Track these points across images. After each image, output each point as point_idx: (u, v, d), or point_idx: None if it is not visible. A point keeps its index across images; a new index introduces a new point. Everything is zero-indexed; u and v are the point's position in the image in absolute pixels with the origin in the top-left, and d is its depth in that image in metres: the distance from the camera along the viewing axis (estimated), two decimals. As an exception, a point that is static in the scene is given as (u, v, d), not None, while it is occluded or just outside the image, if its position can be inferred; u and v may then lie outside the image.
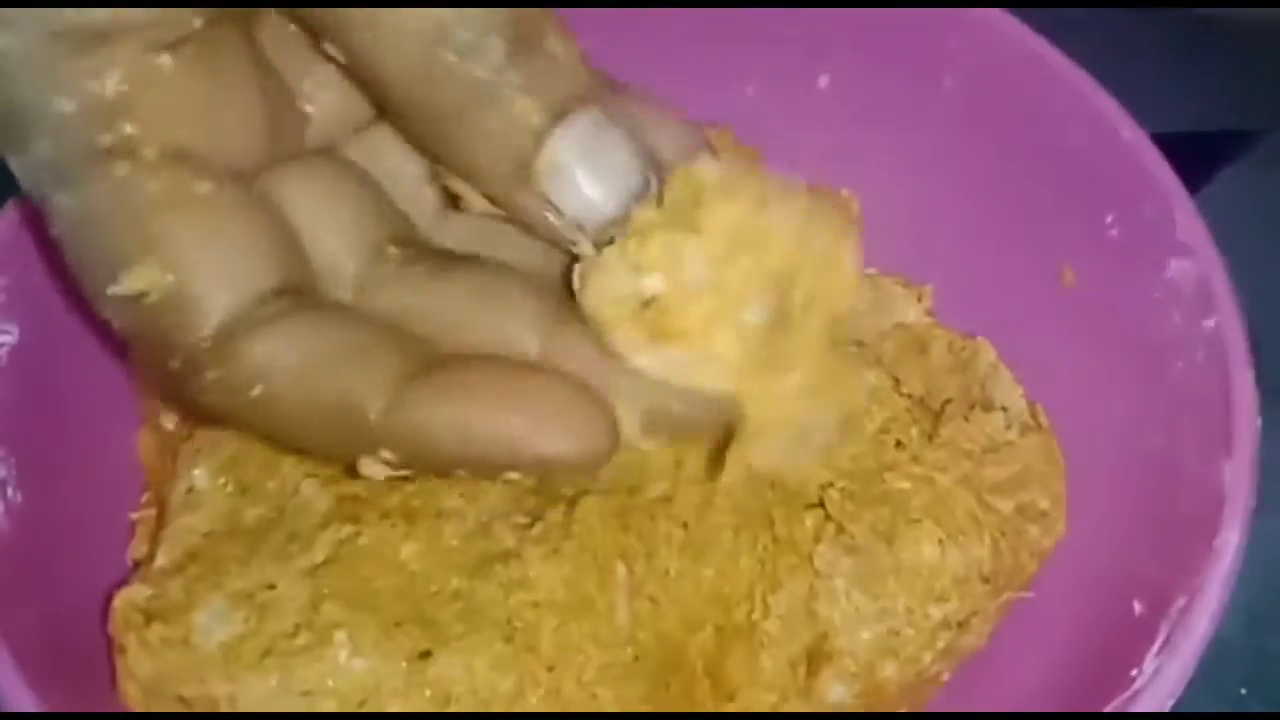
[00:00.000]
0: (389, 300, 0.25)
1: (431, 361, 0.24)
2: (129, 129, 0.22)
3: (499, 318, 0.25)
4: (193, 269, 0.22)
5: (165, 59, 0.22)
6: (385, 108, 0.24)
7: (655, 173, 0.24)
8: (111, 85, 0.22)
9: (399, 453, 0.23)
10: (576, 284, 0.23)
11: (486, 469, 0.23)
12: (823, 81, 0.39)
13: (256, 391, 0.23)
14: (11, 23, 0.22)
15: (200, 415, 0.26)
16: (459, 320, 0.25)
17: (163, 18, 0.22)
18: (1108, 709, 0.28)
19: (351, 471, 0.24)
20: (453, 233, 0.27)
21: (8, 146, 0.23)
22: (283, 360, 0.23)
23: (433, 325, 0.24)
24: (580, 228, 0.23)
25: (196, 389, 0.23)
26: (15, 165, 0.23)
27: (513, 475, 0.23)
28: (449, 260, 0.26)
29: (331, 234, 0.25)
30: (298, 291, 0.24)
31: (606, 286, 0.23)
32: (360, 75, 0.23)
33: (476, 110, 0.22)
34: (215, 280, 0.23)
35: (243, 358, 0.23)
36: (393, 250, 0.25)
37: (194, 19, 0.22)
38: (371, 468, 0.23)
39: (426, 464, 0.23)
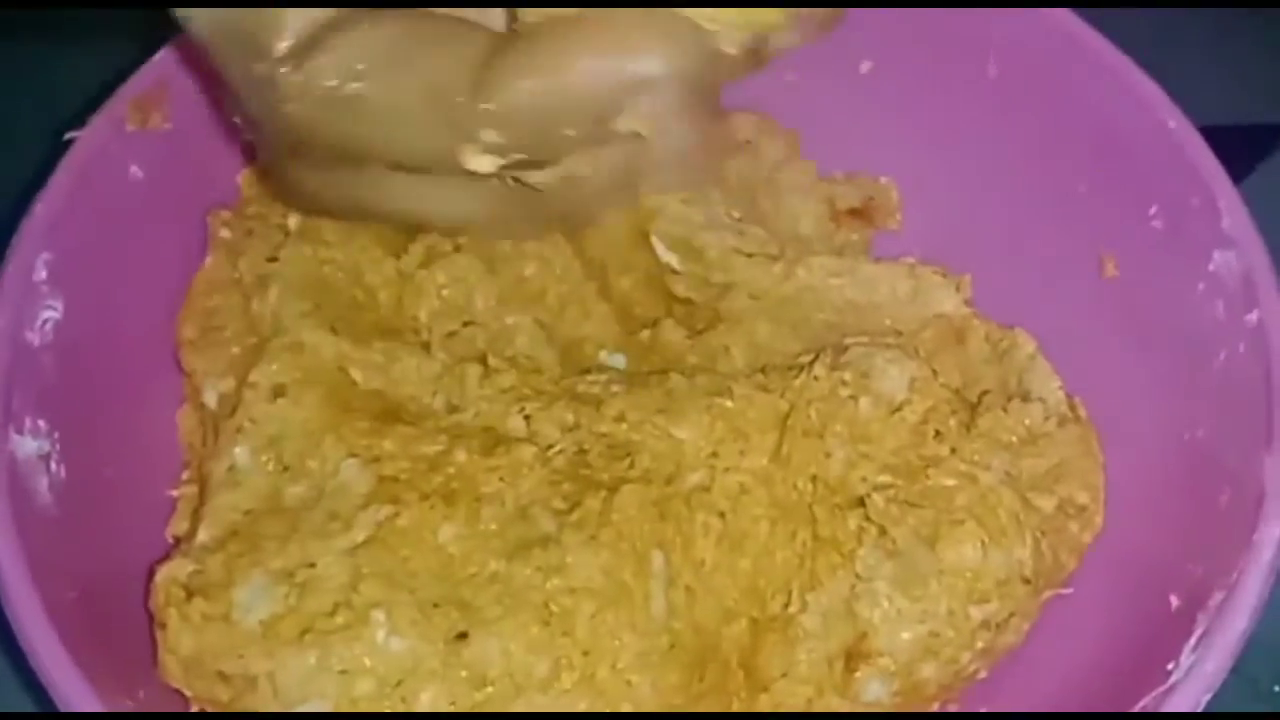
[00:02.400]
0: None
1: (504, 39, 0.25)
2: None
3: None
4: None
5: None
6: None
7: None
8: None
9: (500, 127, 0.24)
10: None
11: (591, 116, 0.25)
12: (864, 67, 0.39)
13: (346, 91, 0.24)
14: None
15: (289, 141, 0.25)
16: None
17: None
18: (1142, 703, 0.28)
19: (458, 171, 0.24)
20: None
21: None
22: (367, 56, 0.24)
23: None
24: None
25: (284, 96, 0.24)
26: None
27: (627, 124, 0.25)
28: None
29: None
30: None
31: None
32: None
33: None
34: None
35: (329, 56, 0.24)
36: None
37: None
38: (477, 160, 0.24)
39: (530, 129, 0.24)
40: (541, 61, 0.24)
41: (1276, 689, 0.37)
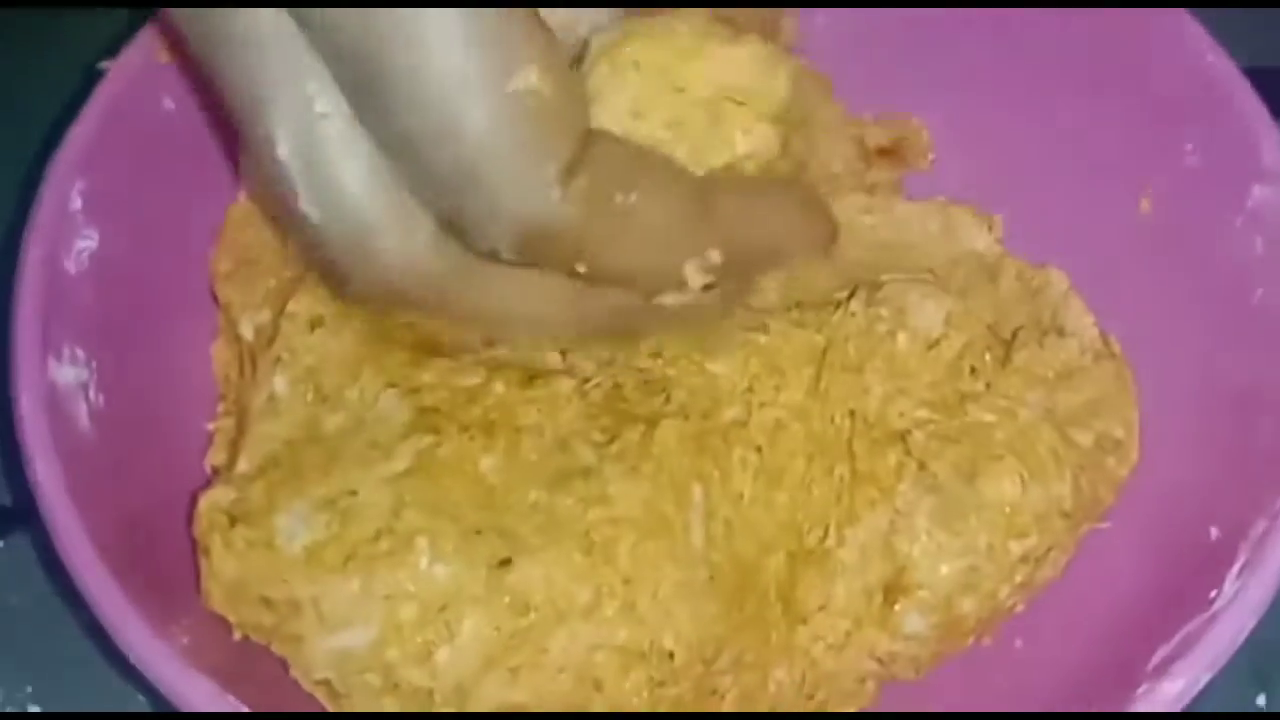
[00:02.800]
0: None
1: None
2: None
3: None
4: (571, 79, 0.24)
5: None
6: None
7: None
8: None
9: (725, 249, 0.27)
10: None
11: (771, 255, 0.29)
12: (895, 8, 0.38)
13: (620, 200, 0.25)
14: None
15: (546, 239, 0.25)
16: None
17: None
18: (1186, 630, 0.28)
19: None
20: None
21: None
22: (639, 151, 0.26)
23: None
24: None
25: (566, 197, 0.24)
26: None
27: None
28: None
29: None
30: None
31: None
32: None
33: None
34: (581, 91, 0.25)
35: (605, 165, 0.25)
36: None
37: None
38: (694, 275, 0.27)
39: (744, 256, 0.28)
40: (753, 195, 0.28)
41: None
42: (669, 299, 0.28)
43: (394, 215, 0.24)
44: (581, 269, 0.26)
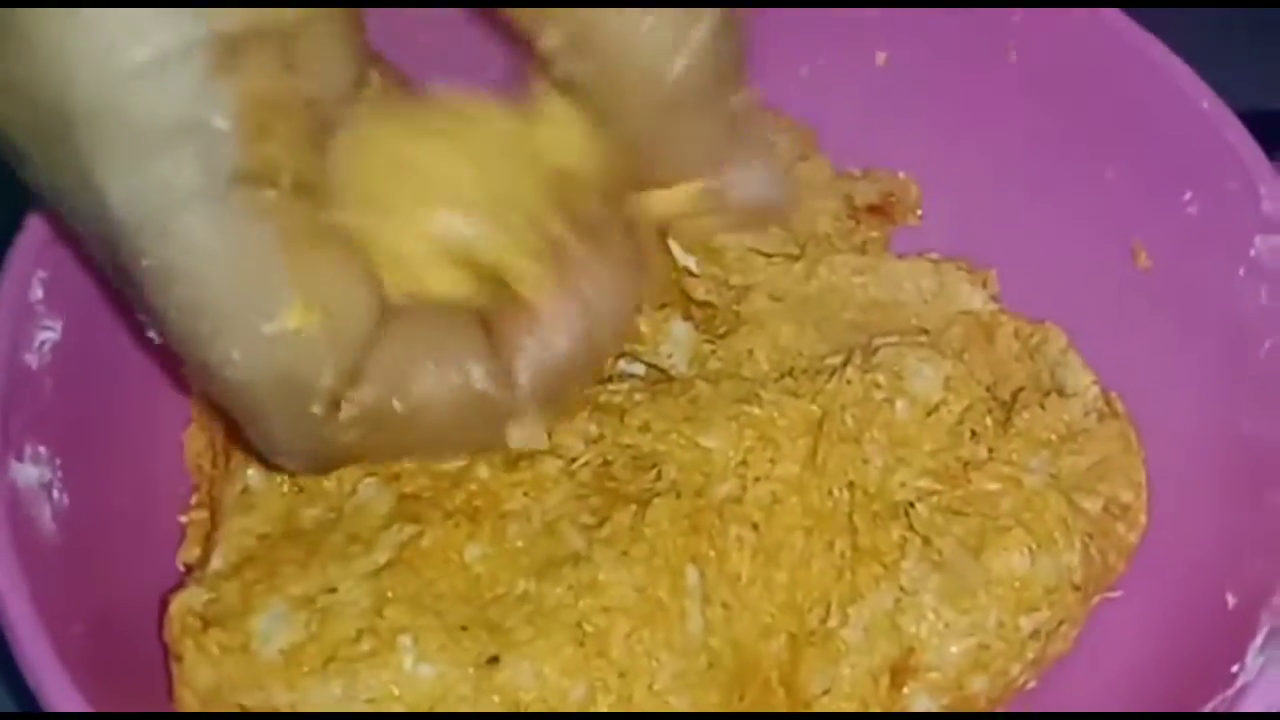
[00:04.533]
0: None
1: (492, 316, 0.25)
2: (272, 152, 0.21)
3: None
4: (338, 302, 0.22)
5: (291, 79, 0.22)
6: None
7: None
8: (254, 105, 0.21)
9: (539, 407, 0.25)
10: None
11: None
12: (879, 58, 0.38)
13: (398, 407, 0.23)
14: (175, 23, 0.20)
15: (329, 460, 0.25)
16: None
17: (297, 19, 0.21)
18: (1209, 707, 0.27)
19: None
20: None
21: (118, 166, 0.21)
22: (417, 369, 0.24)
23: None
24: None
25: (337, 429, 0.23)
26: (118, 187, 0.21)
27: None
28: None
29: None
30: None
31: None
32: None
33: None
34: (354, 310, 0.23)
35: (381, 381, 0.23)
36: None
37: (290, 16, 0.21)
38: (519, 437, 0.25)
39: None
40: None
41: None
42: None
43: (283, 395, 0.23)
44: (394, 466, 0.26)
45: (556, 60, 0.25)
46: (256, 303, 0.21)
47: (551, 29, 0.24)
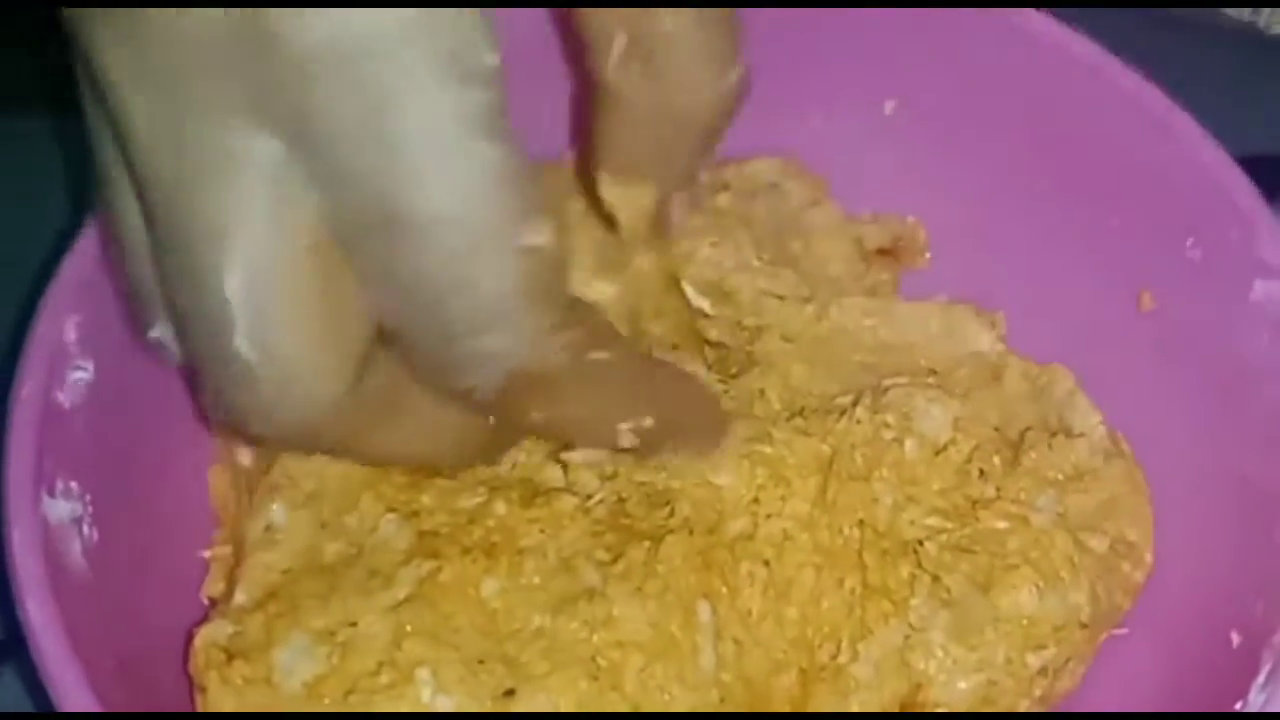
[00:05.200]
0: None
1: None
2: None
3: None
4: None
5: None
6: None
7: None
8: None
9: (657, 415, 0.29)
10: None
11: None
12: (888, 107, 0.39)
13: (594, 355, 0.26)
14: None
15: (536, 379, 0.26)
16: None
17: None
18: (1213, 744, 0.27)
19: None
20: None
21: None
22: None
23: None
24: None
25: (556, 345, 0.25)
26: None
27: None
28: None
29: None
30: None
31: None
32: None
33: None
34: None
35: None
36: None
37: None
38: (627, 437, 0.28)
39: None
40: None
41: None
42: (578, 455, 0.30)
43: (329, 357, 0.24)
44: (537, 415, 0.26)
45: (613, 64, 0.28)
46: (517, 214, 0.23)
47: (618, 29, 0.27)
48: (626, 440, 0.28)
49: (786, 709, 0.30)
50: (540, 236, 0.23)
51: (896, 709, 0.30)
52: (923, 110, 0.38)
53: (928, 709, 0.30)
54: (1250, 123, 0.39)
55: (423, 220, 0.22)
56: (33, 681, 0.32)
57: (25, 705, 0.34)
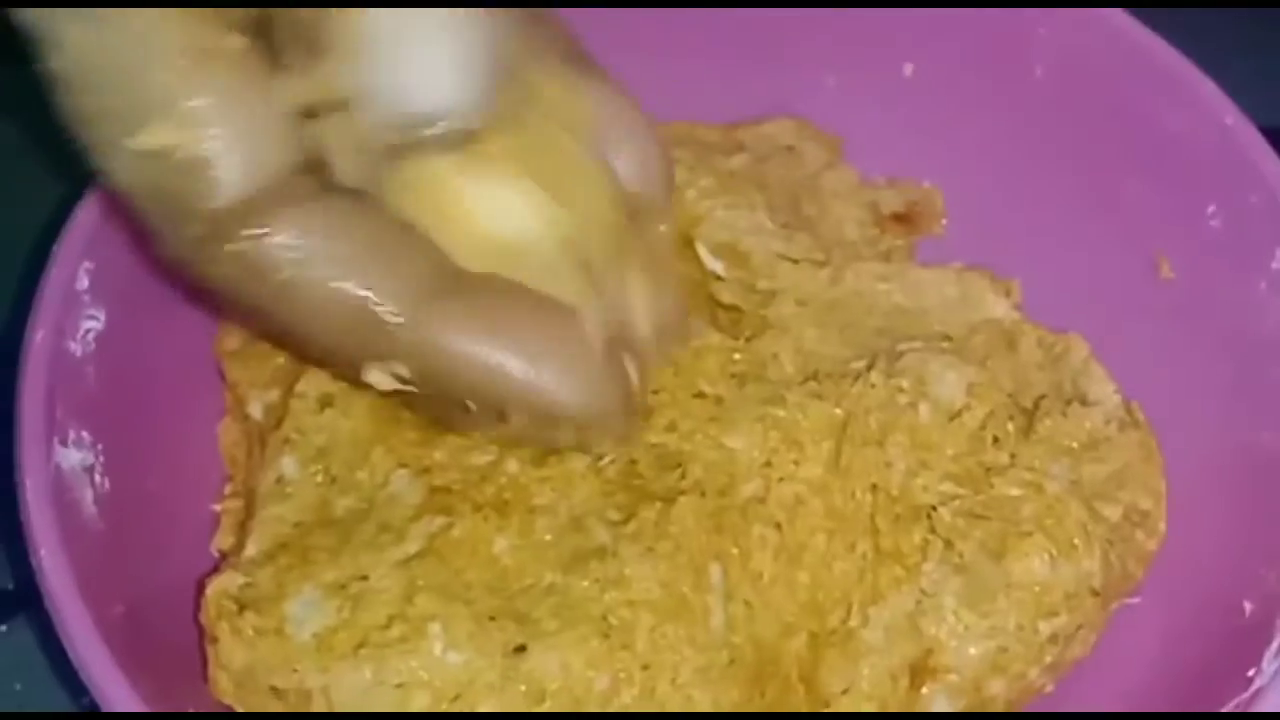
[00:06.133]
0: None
1: (459, 279, 0.24)
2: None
3: None
4: (219, 128, 0.22)
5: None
6: None
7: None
8: None
9: (412, 368, 0.24)
10: None
11: (491, 405, 0.25)
12: (907, 70, 0.38)
13: (281, 275, 0.23)
14: None
15: (206, 290, 0.24)
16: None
17: None
18: (1226, 709, 0.27)
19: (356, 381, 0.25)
20: None
21: None
22: (312, 245, 0.23)
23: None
24: None
25: (211, 259, 0.23)
26: None
27: (515, 419, 0.25)
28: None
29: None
30: (318, 171, 0.23)
31: None
32: None
33: None
34: (242, 143, 0.22)
35: (271, 234, 0.22)
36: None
37: None
38: (378, 377, 0.24)
39: (436, 387, 0.24)
40: (470, 343, 0.24)
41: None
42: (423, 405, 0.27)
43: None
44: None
45: None
46: (121, 115, 0.22)
47: None
48: (385, 382, 0.25)
49: (796, 672, 0.30)
50: (150, 140, 0.22)
51: (906, 674, 0.30)
52: (942, 74, 0.38)
53: (938, 674, 0.29)
54: (1276, 93, 0.38)
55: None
56: (44, 632, 0.32)
57: (37, 656, 0.34)
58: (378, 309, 0.23)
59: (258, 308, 0.24)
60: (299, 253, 0.23)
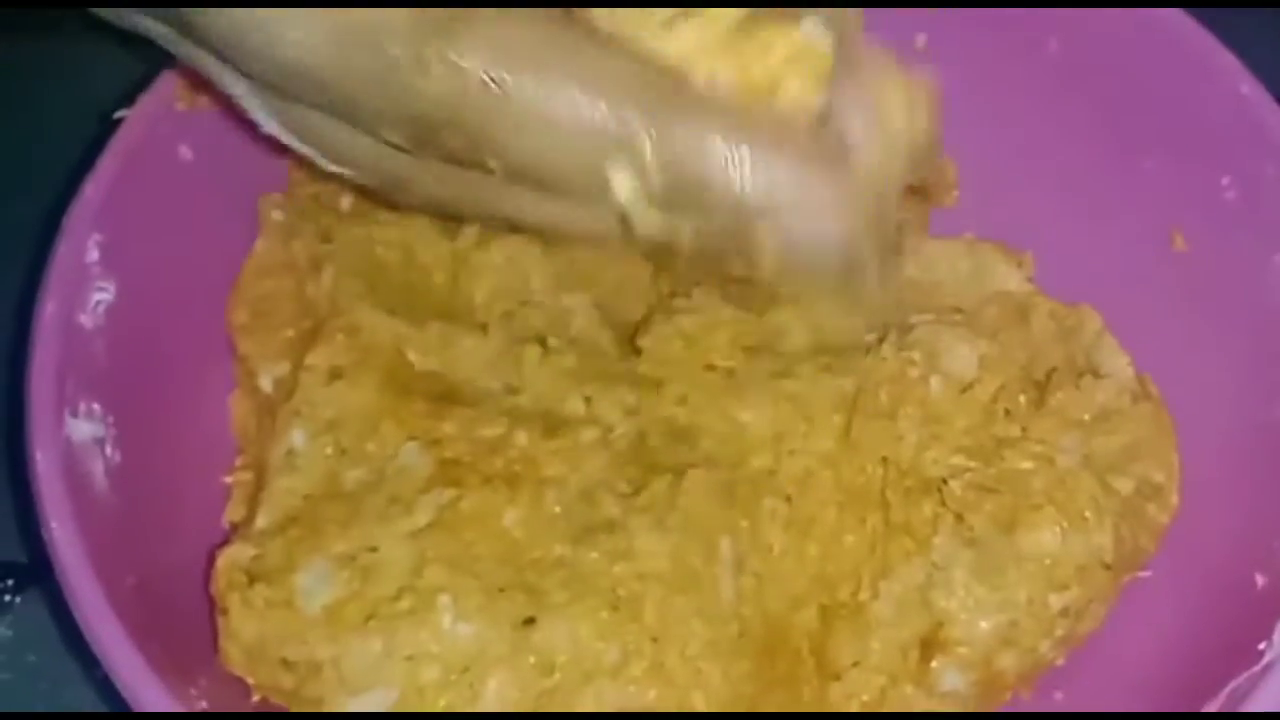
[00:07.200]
0: None
1: (671, 77, 0.23)
2: None
3: None
4: None
5: None
6: None
7: None
8: None
9: (658, 160, 0.22)
10: None
11: (743, 215, 0.23)
12: (920, 41, 0.38)
13: (502, 85, 0.22)
14: None
15: (421, 121, 0.23)
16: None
17: None
18: (1235, 683, 0.27)
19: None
20: None
21: None
22: (530, 42, 0.22)
23: None
24: None
25: (424, 80, 0.22)
26: None
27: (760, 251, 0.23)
28: None
29: None
30: None
31: None
32: None
33: None
34: None
35: (481, 38, 0.22)
36: None
37: None
38: (623, 185, 0.23)
39: (684, 187, 0.23)
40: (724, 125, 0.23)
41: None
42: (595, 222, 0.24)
43: None
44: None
45: None
46: None
47: None
48: (626, 190, 0.23)
49: (806, 645, 0.30)
50: None
51: (917, 647, 0.30)
52: (955, 45, 0.37)
53: (949, 647, 0.29)
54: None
55: None
56: (56, 604, 0.33)
57: (50, 628, 0.34)
58: (616, 106, 0.22)
59: (468, 139, 0.22)
60: (514, 57, 0.22)
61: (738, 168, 0.23)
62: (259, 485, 0.29)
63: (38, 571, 0.34)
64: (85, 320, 0.29)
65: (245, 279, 0.33)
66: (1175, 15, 0.33)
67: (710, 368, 0.32)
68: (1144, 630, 0.31)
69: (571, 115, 0.22)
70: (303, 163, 0.33)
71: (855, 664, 0.30)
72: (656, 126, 0.22)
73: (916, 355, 0.32)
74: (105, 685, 0.25)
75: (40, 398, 0.27)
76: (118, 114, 0.31)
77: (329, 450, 0.29)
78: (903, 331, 0.32)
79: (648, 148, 0.22)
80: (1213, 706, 0.27)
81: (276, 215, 0.33)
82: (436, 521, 0.28)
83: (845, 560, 0.30)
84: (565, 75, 0.22)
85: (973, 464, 0.31)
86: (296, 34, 0.22)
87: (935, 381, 0.31)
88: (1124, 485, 0.31)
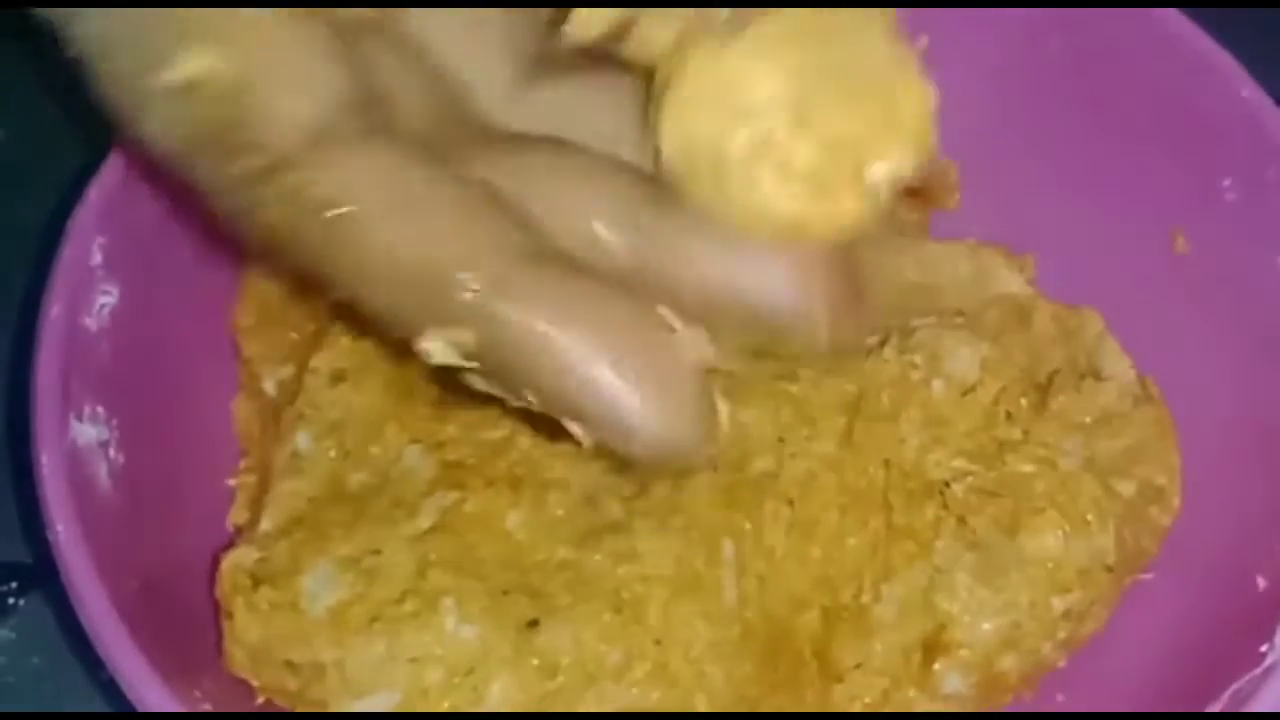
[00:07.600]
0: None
1: (543, 251, 0.20)
2: None
3: (582, 206, 0.21)
4: (267, 57, 0.20)
5: None
6: None
7: None
8: None
9: (477, 340, 0.20)
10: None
11: (554, 407, 0.20)
12: (921, 42, 0.38)
13: (339, 211, 0.19)
14: None
15: (255, 235, 0.21)
16: (538, 201, 0.21)
17: None
18: (1236, 685, 0.27)
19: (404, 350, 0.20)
20: (523, 114, 0.23)
21: None
22: (378, 183, 0.20)
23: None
24: None
25: (266, 196, 0.20)
26: None
27: (573, 428, 0.21)
28: (522, 139, 0.23)
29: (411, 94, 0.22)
30: (378, 109, 0.21)
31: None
32: None
33: None
34: (295, 72, 0.20)
35: (332, 168, 0.20)
36: (455, 129, 0.22)
37: None
38: (433, 345, 0.20)
39: (498, 369, 0.20)
40: (547, 328, 0.20)
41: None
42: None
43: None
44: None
45: None
46: (153, 51, 0.20)
47: None
48: (441, 354, 0.20)
49: (808, 647, 0.30)
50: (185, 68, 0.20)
51: (919, 649, 0.30)
52: (957, 47, 0.37)
53: (951, 650, 0.29)
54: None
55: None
56: (61, 606, 0.33)
57: (53, 632, 0.34)
58: (447, 269, 0.19)
59: (309, 251, 0.21)
60: (363, 189, 0.20)
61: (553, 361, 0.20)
62: (263, 488, 0.30)
63: (42, 574, 0.35)
64: (90, 323, 0.29)
65: (251, 281, 0.33)
66: (1174, 16, 0.33)
67: (711, 370, 0.32)
68: (1146, 632, 0.31)
69: (398, 261, 0.20)
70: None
71: (858, 666, 0.30)
72: (481, 298, 0.20)
73: (918, 358, 0.32)
74: (109, 688, 0.26)
75: (45, 400, 0.27)
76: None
77: (333, 453, 0.29)
78: (904, 334, 0.33)
79: (468, 323, 0.20)
80: (1215, 708, 0.27)
81: (280, 218, 0.33)
82: (440, 524, 0.28)
83: (847, 563, 0.30)
84: (406, 217, 0.20)
85: (975, 467, 0.31)
86: None
87: (937, 384, 0.31)
88: (1126, 488, 0.31)
